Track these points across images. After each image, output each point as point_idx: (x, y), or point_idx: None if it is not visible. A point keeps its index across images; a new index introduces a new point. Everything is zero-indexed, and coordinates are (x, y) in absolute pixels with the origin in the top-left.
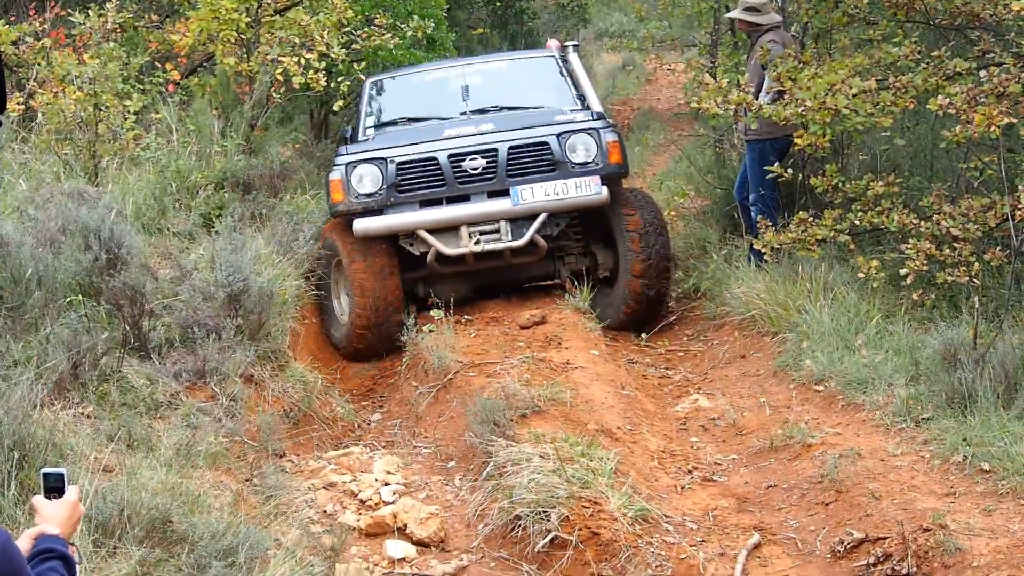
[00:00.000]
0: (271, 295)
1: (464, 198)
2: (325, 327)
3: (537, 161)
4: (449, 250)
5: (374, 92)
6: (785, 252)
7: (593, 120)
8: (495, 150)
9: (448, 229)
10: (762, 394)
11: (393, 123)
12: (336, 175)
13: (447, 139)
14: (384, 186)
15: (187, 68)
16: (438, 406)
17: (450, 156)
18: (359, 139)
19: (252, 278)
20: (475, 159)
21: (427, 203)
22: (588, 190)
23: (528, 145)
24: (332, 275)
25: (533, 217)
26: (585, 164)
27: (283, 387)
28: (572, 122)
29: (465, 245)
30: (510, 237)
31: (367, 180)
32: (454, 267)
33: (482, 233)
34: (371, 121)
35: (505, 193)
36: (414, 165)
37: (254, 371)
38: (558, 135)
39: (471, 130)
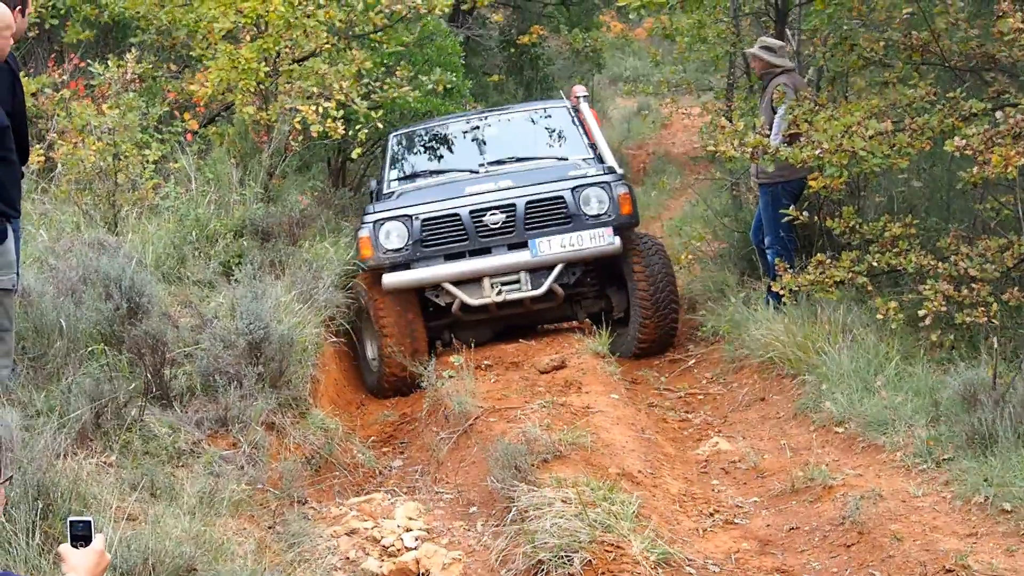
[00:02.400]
0: (291, 343)
1: (485, 251)
2: (360, 371)
3: (553, 214)
4: (473, 300)
5: (398, 146)
6: (803, 294)
7: (605, 174)
8: (513, 205)
9: (471, 281)
10: (782, 436)
11: (416, 176)
12: (365, 232)
13: (468, 196)
14: (410, 241)
15: (205, 117)
16: (459, 452)
17: (471, 212)
18: (384, 192)
19: (272, 326)
20: (495, 214)
21: (451, 256)
22: (602, 241)
23: (544, 199)
24: (364, 324)
25: (551, 267)
26: (598, 216)
27: (304, 434)
28: (585, 176)
29: (487, 295)
30: (529, 287)
31: (394, 236)
32: (477, 315)
33: (503, 283)
34: (395, 174)
35: (524, 245)
36: (438, 221)
37: (275, 418)
38: (572, 189)
39: (490, 186)
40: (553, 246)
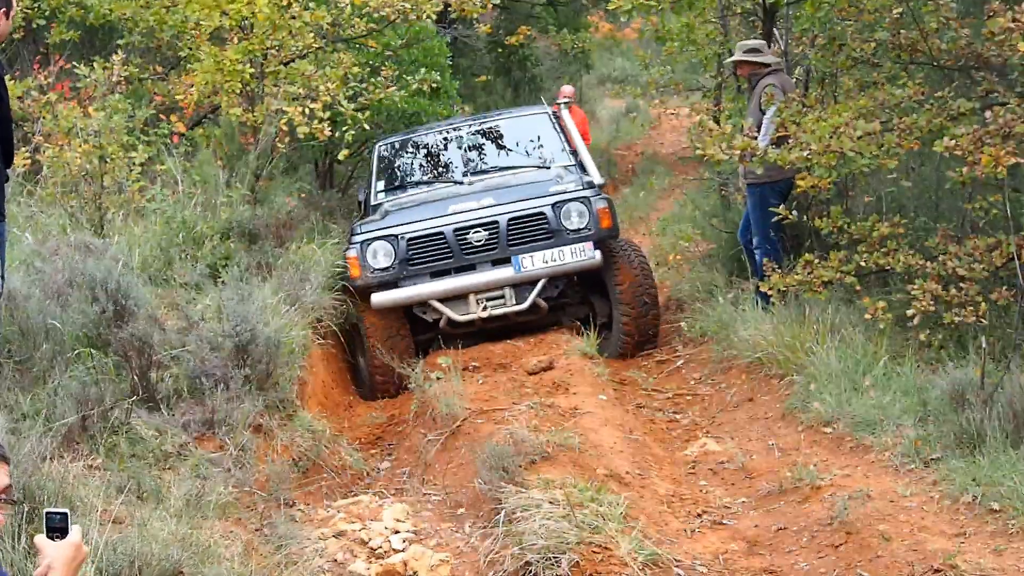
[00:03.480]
0: (278, 345)
1: (470, 267)
2: (350, 374)
3: (535, 230)
4: (459, 317)
5: (384, 156)
6: (791, 294)
7: (584, 189)
8: (496, 222)
9: (457, 297)
10: (771, 437)
11: (403, 186)
12: (352, 252)
13: (452, 214)
14: (397, 260)
15: (192, 119)
16: (447, 453)
17: (455, 230)
18: (372, 203)
19: (259, 328)
20: (478, 232)
21: (436, 274)
22: (583, 255)
23: (526, 216)
24: (357, 337)
25: (534, 282)
26: (579, 231)
27: (292, 436)
28: (565, 192)
29: (473, 311)
30: (514, 302)
31: (381, 256)
32: (463, 328)
33: (488, 299)
34: (381, 185)
35: (507, 261)
36: (423, 240)
37: (262, 421)
38: (553, 205)
39: (473, 204)
40: (536, 262)
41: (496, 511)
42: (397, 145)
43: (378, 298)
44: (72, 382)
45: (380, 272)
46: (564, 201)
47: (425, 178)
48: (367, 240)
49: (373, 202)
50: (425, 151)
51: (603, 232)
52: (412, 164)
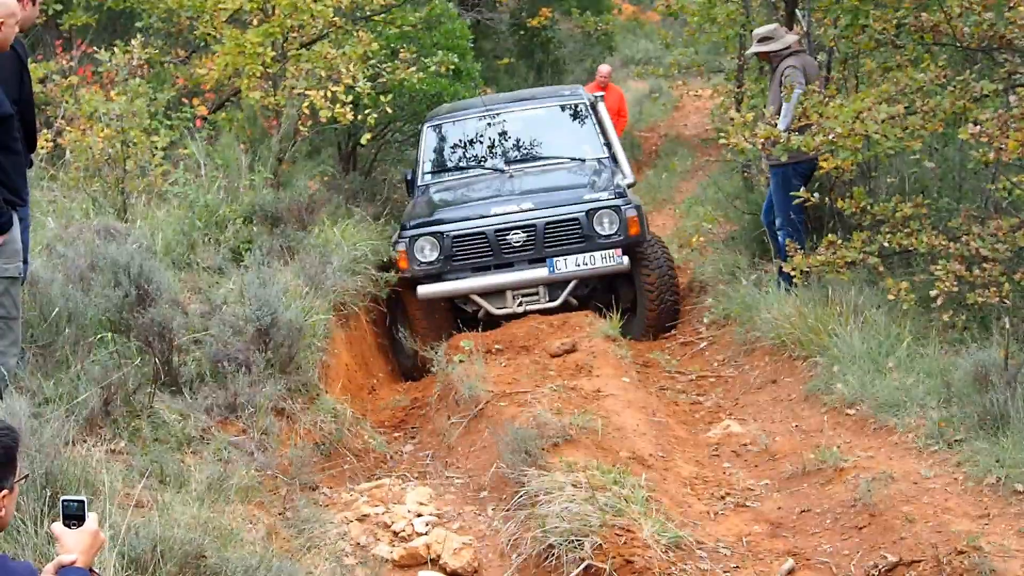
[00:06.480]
0: (300, 328)
1: (508, 265)
2: (393, 353)
3: (569, 234)
4: (496, 311)
5: (431, 135)
6: (815, 275)
7: (616, 198)
8: (534, 226)
9: (495, 292)
10: (794, 419)
11: (446, 170)
12: (401, 246)
13: (494, 216)
14: (441, 256)
15: (214, 103)
16: (469, 436)
17: (496, 231)
18: (419, 183)
19: (281, 311)
20: (517, 233)
21: (477, 269)
22: (612, 261)
23: (562, 221)
24: (399, 314)
25: (567, 281)
26: (609, 236)
27: (314, 420)
28: (598, 200)
29: (509, 306)
30: (547, 299)
31: (427, 250)
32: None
33: (524, 295)
34: (428, 166)
35: (543, 261)
36: (466, 238)
37: (285, 404)
38: (587, 212)
39: (514, 208)
40: (568, 264)
41: (519, 494)
42: (444, 126)
43: (424, 289)
44: (94, 366)
45: (426, 265)
46: (597, 209)
47: (467, 163)
48: (415, 236)
49: (420, 183)
50: (469, 133)
51: (632, 239)
52: (457, 148)
